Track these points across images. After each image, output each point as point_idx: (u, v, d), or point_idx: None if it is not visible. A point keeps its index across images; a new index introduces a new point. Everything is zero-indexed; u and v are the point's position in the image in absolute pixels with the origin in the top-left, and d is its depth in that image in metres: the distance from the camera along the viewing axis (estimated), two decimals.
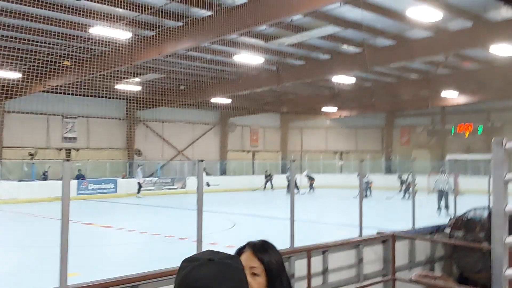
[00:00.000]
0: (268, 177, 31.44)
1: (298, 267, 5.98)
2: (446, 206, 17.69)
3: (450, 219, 8.44)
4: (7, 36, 15.61)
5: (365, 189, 24.83)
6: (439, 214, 16.86)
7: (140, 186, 26.04)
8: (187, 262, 1.33)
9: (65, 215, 4.12)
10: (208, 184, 23.80)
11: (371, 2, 13.28)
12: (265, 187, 30.94)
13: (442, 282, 5.80)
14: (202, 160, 5.58)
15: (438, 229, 8.33)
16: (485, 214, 7.76)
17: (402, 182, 25.97)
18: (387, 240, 7.25)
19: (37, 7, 12.75)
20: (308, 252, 5.98)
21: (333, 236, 7.84)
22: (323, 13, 14.11)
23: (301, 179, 29.54)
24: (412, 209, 8.68)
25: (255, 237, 2.02)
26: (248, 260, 1.86)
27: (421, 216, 8.78)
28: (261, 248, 1.92)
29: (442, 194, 18.14)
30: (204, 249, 5.16)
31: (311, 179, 29.98)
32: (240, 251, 1.93)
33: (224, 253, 1.41)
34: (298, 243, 6.30)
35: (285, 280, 1.92)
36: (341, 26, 15.32)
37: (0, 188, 22.64)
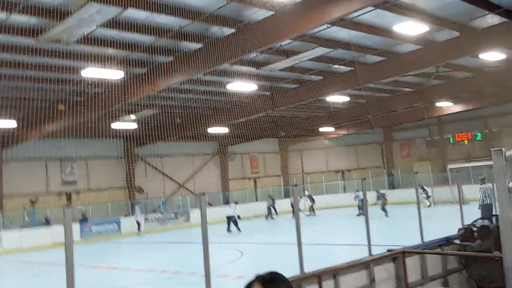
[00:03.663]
0: (271, 202, 31.12)
1: None
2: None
3: (459, 230, 8.34)
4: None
5: (361, 207, 24.69)
6: None
7: (139, 224, 25.76)
8: None
9: (69, 264, 4.06)
10: (239, 217, 23.76)
11: (358, 21, 13.43)
12: (269, 213, 30.41)
13: None
14: (204, 194, 5.56)
15: (448, 240, 8.22)
16: (493, 221, 7.67)
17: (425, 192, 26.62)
18: (398, 257, 7.15)
19: (28, 55, 12.90)
20: (318, 277, 5.88)
21: (343, 258, 7.73)
22: (312, 35, 14.26)
23: (305, 203, 29.34)
24: (419, 222, 8.58)
25: (264, 266, 2.03)
26: None
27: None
28: (270, 281, 1.91)
29: (489, 208, 14.59)
30: (213, 283, 5.04)
31: (312, 200, 29.70)
32: (249, 285, 1.92)
33: None
34: (307, 267, 6.20)
35: None
36: (330, 47, 15.48)
37: (3, 238, 22.40)
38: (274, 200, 31.15)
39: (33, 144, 22.41)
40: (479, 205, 15.63)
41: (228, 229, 22.73)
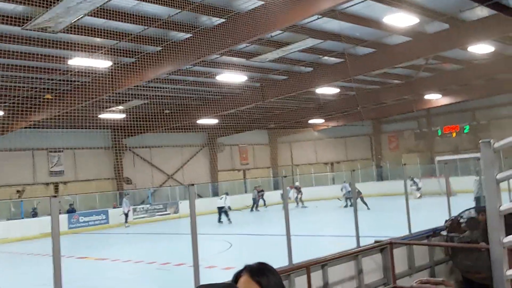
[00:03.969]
0: (260, 193, 31.08)
1: (298, 284, 5.89)
2: None
3: (446, 221, 8.40)
4: None
5: (348, 199, 24.80)
6: None
7: (126, 216, 25.58)
8: None
9: (56, 254, 4.01)
10: (229, 208, 23.72)
11: (348, 12, 13.38)
12: (257, 205, 30.30)
13: (444, 287, 5.72)
14: (193, 184, 5.52)
15: (435, 232, 8.28)
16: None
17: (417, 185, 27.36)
18: (385, 248, 7.19)
19: (15, 43, 12.69)
20: (307, 268, 5.89)
21: (331, 249, 7.75)
22: (302, 26, 14.19)
23: (294, 194, 29.36)
24: (407, 214, 8.64)
25: (252, 257, 2.01)
26: (246, 284, 1.85)
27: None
28: (259, 271, 1.90)
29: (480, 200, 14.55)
30: (201, 274, 5.02)
31: (299, 192, 29.71)
32: (237, 275, 1.91)
33: (218, 284, 1.40)
34: (296, 258, 6.21)
35: None
36: (320, 38, 15.43)
37: None
38: (262, 191, 31.13)
39: (19, 133, 22.13)
40: (474, 197, 15.70)
41: (219, 220, 22.80)
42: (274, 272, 1.93)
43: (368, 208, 23.37)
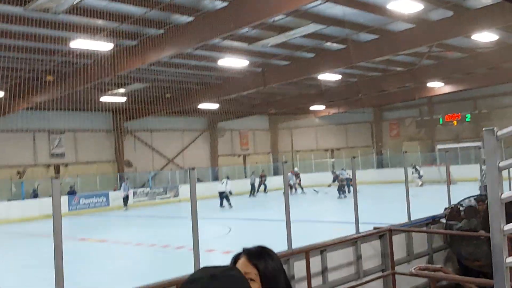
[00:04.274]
0: (263, 178, 31.10)
1: (297, 268, 5.93)
2: None
3: (446, 209, 8.44)
4: None
5: (347, 185, 24.71)
6: None
7: (124, 200, 25.57)
8: (189, 284, 1.29)
9: (57, 234, 4.03)
10: (231, 193, 23.77)
11: None
12: (258, 190, 30.38)
13: (442, 273, 5.77)
14: (193, 168, 5.52)
15: (434, 219, 8.32)
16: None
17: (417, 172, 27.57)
18: (384, 234, 7.22)
19: (16, 24, 12.62)
20: (306, 252, 5.93)
21: (330, 235, 7.79)
22: (305, 11, 14.09)
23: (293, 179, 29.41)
24: (407, 201, 8.65)
25: (251, 241, 1.98)
26: (243, 266, 1.85)
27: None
28: (256, 254, 1.90)
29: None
30: (201, 257, 5.03)
31: (297, 177, 29.69)
32: (236, 257, 1.92)
33: (220, 266, 1.38)
34: (295, 243, 6.24)
35: (283, 284, 1.91)
36: (323, 24, 15.31)
37: None
38: (264, 176, 31.17)
39: (20, 115, 22.12)
40: (480, 186, 15.66)
41: (221, 205, 22.88)
42: (274, 257, 1.92)
43: (343, 196, 23.59)
